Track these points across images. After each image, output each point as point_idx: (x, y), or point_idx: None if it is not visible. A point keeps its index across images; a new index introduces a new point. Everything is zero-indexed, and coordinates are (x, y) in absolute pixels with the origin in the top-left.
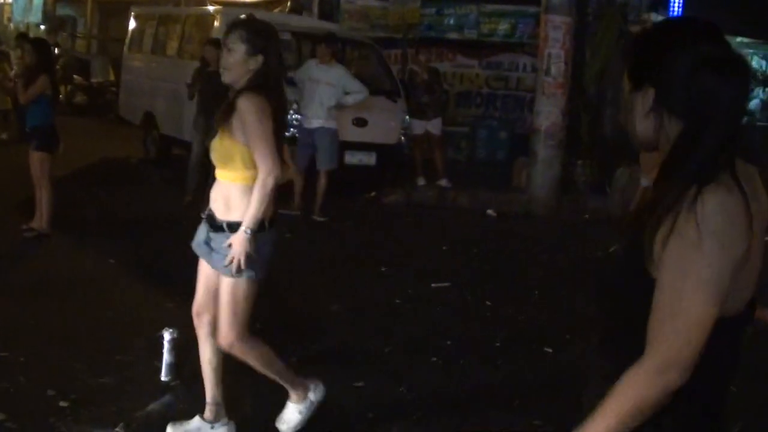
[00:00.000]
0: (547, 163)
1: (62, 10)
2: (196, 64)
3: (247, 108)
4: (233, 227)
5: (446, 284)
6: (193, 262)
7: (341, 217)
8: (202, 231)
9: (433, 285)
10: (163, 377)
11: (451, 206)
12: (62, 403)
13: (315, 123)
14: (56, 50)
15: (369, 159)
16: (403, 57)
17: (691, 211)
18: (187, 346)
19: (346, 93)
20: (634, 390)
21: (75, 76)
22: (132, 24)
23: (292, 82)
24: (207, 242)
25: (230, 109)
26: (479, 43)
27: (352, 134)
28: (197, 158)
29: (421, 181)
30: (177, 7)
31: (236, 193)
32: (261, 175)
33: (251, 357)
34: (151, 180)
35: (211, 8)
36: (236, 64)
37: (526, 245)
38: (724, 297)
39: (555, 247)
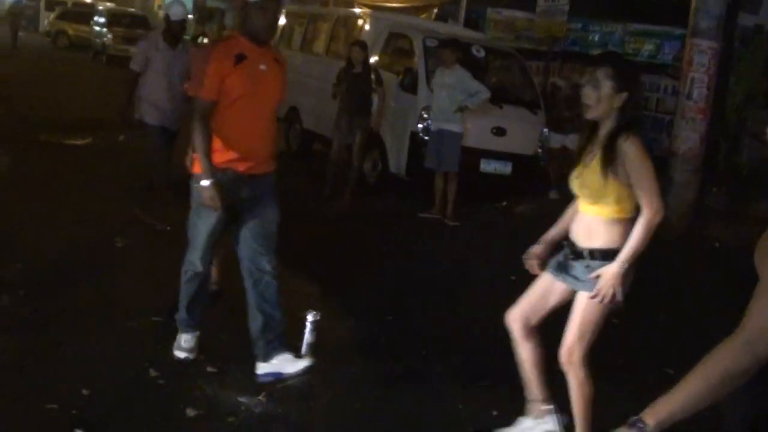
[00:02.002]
0: (682, 187)
1: (212, 2)
2: (342, 63)
3: (635, 152)
4: (594, 254)
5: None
6: (330, 250)
7: (473, 223)
8: (560, 256)
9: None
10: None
11: None
12: (210, 369)
13: (437, 126)
14: (205, 40)
15: (505, 168)
16: (546, 69)
17: None
18: (325, 328)
19: (471, 96)
20: (725, 357)
21: None
22: (282, 20)
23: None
24: (562, 265)
25: (609, 149)
26: None
27: (490, 143)
28: (337, 155)
29: (553, 195)
30: (327, 8)
31: (601, 225)
32: (648, 215)
33: (578, 386)
34: (292, 172)
35: (358, 10)
36: (602, 100)
37: (654, 268)
38: None
39: (683, 272)
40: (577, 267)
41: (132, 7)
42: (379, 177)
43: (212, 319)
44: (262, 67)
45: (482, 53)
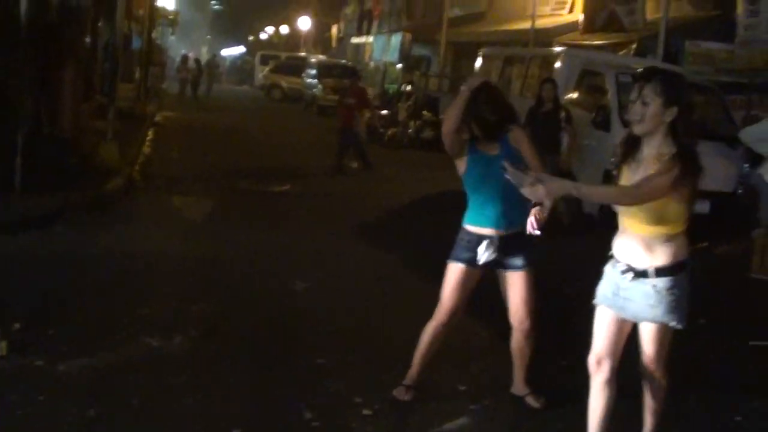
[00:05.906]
0: None
1: (418, 51)
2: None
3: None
4: (660, 272)
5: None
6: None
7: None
8: (607, 285)
9: (750, 342)
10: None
11: None
12: (365, 411)
13: None
14: (410, 87)
15: (702, 207)
16: (747, 103)
17: None
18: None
19: None
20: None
21: (424, 112)
22: (479, 63)
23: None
24: (616, 294)
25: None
26: None
27: None
28: None
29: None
30: (522, 48)
31: (659, 243)
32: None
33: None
34: None
35: (555, 49)
36: (651, 116)
37: None
38: None
39: None
40: (637, 289)
41: (344, 59)
42: (573, 217)
43: (373, 361)
44: None
45: None
